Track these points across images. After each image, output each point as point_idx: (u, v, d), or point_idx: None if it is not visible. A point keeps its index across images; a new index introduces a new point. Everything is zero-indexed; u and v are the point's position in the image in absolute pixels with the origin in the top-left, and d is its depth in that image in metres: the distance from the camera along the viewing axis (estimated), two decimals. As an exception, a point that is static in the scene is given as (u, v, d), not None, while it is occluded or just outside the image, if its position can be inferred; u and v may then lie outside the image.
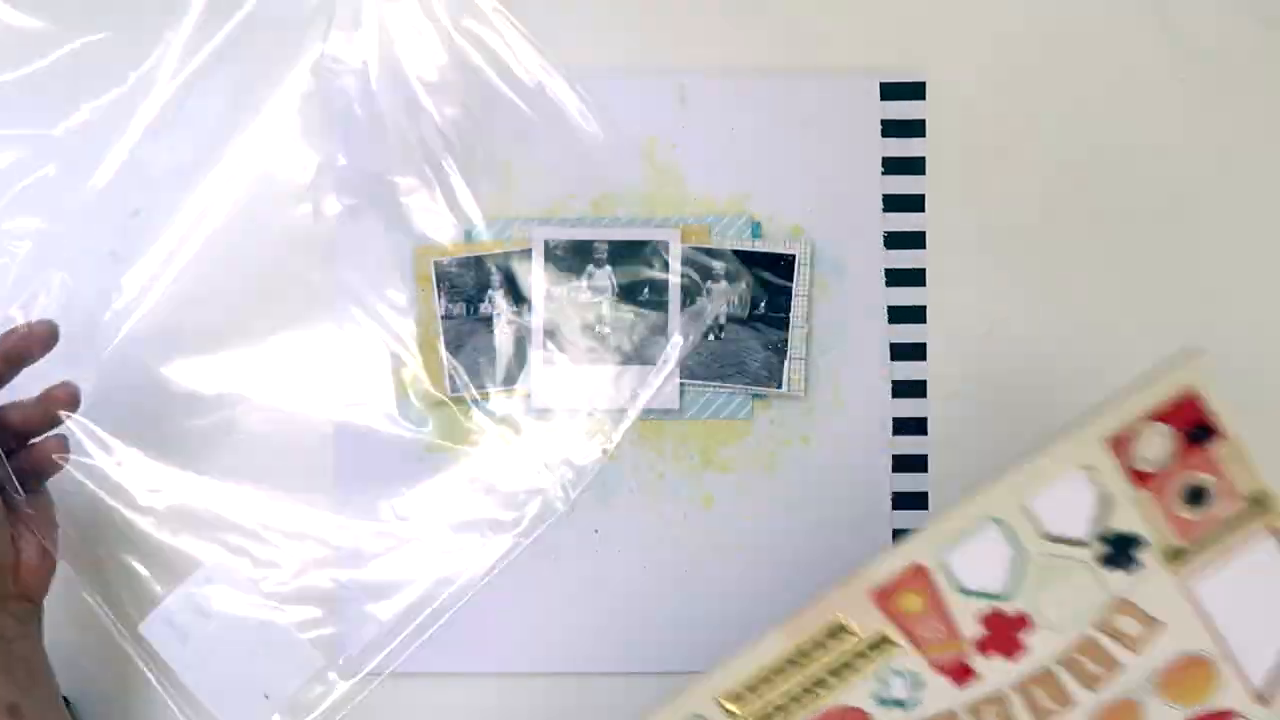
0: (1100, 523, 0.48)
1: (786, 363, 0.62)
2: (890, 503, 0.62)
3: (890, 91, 0.63)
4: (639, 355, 0.62)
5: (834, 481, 0.62)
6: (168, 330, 0.61)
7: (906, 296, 0.63)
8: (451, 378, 0.62)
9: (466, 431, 0.62)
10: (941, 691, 0.49)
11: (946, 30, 0.64)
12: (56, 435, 0.56)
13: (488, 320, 0.62)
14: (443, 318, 0.62)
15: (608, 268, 0.62)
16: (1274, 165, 0.64)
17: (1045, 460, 0.48)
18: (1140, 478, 0.48)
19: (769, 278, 0.62)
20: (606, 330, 0.62)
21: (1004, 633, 0.49)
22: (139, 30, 0.61)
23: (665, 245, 0.62)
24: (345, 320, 0.62)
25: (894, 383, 0.63)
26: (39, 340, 0.54)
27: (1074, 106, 0.64)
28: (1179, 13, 0.64)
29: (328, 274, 0.62)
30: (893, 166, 0.63)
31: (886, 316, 0.63)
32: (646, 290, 0.62)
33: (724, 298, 0.63)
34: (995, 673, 0.49)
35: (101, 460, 0.59)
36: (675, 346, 0.62)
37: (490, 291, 0.62)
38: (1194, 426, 0.48)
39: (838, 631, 0.48)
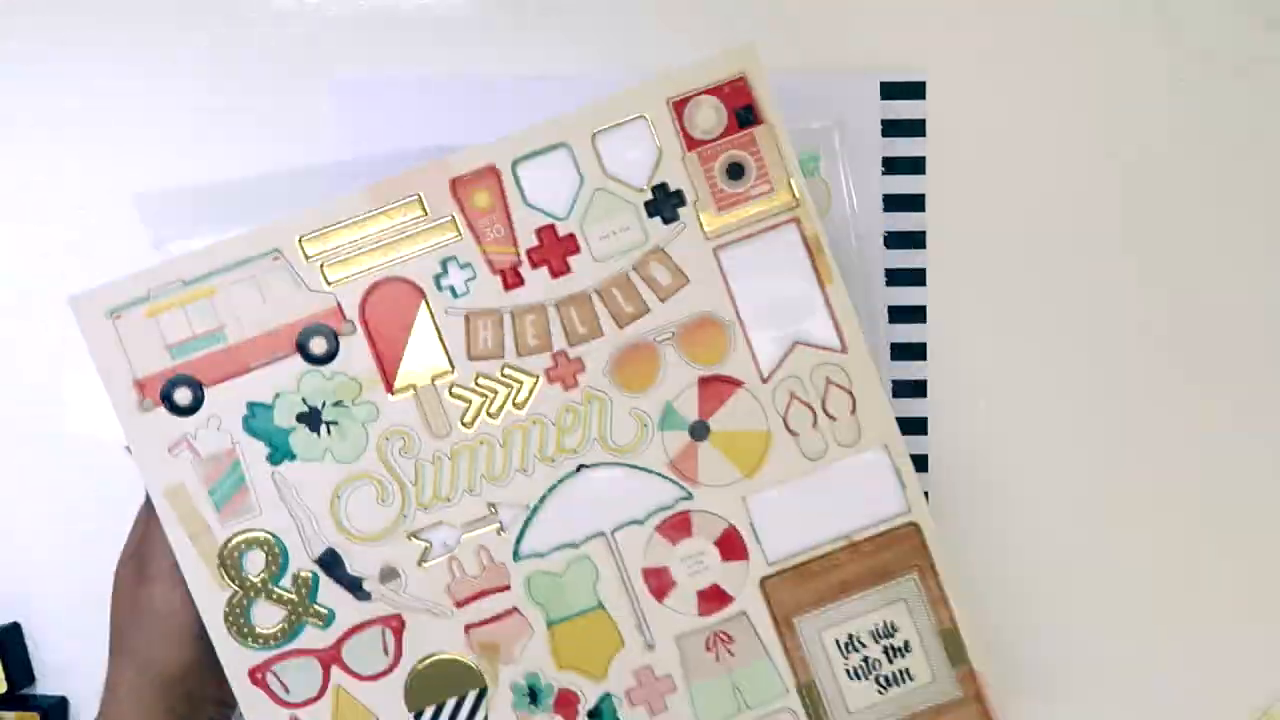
0: (653, 174, 0.53)
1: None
2: None
3: (890, 91, 0.63)
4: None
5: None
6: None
7: (906, 296, 0.63)
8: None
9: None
10: (490, 289, 0.53)
11: (946, 30, 0.64)
12: None
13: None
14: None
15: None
16: (1274, 165, 0.64)
17: (615, 99, 0.53)
18: (692, 142, 0.53)
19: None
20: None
21: (554, 250, 0.53)
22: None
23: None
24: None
25: (894, 382, 0.64)
26: None
27: (1074, 106, 0.64)
28: (1179, 13, 0.64)
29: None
30: (893, 166, 0.63)
31: (887, 316, 0.63)
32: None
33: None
34: (539, 285, 0.53)
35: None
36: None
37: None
38: (741, 107, 0.53)
39: (413, 205, 0.53)
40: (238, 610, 0.53)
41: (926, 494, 0.59)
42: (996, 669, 0.55)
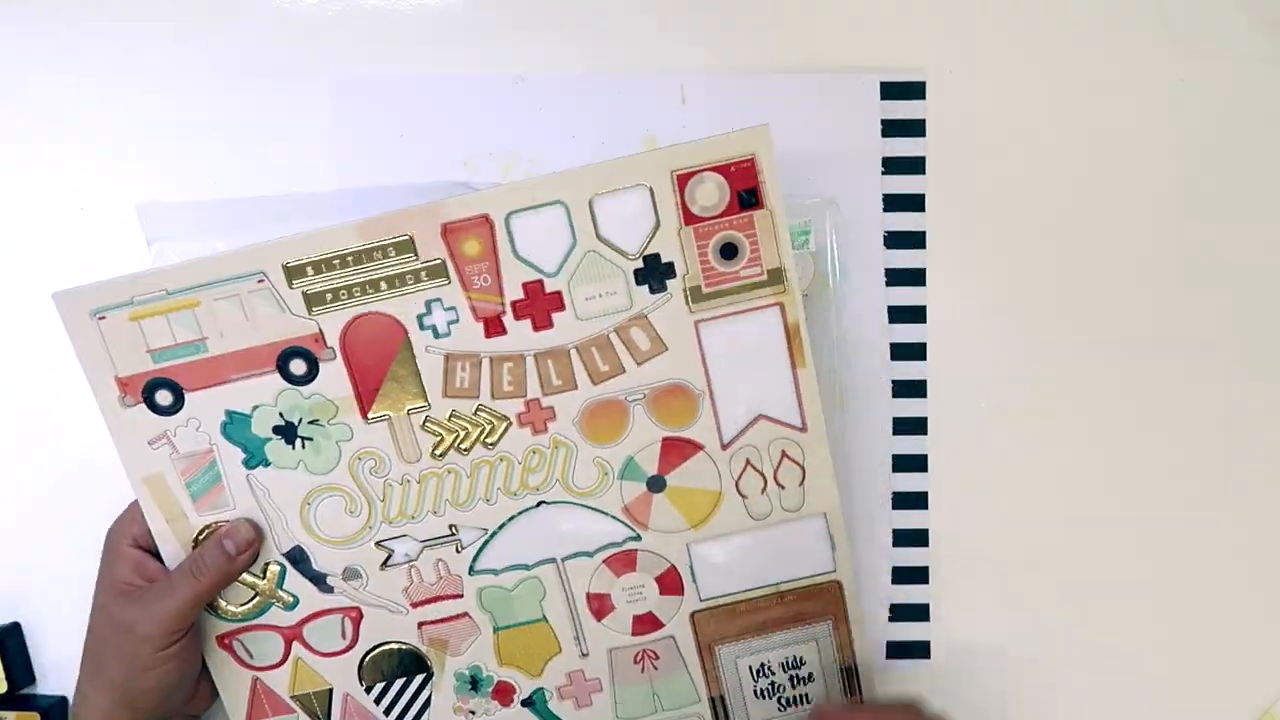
0: (647, 243, 0.54)
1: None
2: (890, 502, 0.63)
3: (890, 91, 0.62)
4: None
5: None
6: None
7: (906, 296, 0.63)
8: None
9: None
10: (472, 334, 0.54)
11: (946, 30, 0.63)
12: None
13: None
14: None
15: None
16: (1275, 165, 0.63)
17: (619, 165, 0.53)
18: (690, 217, 0.53)
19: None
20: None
21: (539, 305, 0.54)
22: None
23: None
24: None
25: (894, 383, 0.63)
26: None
27: (1074, 106, 0.63)
28: (1179, 13, 0.63)
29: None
30: (893, 166, 0.63)
31: (887, 316, 0.63)
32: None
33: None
34: (521, 337, 0.55)
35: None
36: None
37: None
38: (746, 190, 0.53)
39: (404, 246, 0.53)
40: (210, 588, 0.57)
41: (926, 494, 0.63)
42: (996, 668, 0.63)
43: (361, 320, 0.54)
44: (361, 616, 0.58)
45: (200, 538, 0.56)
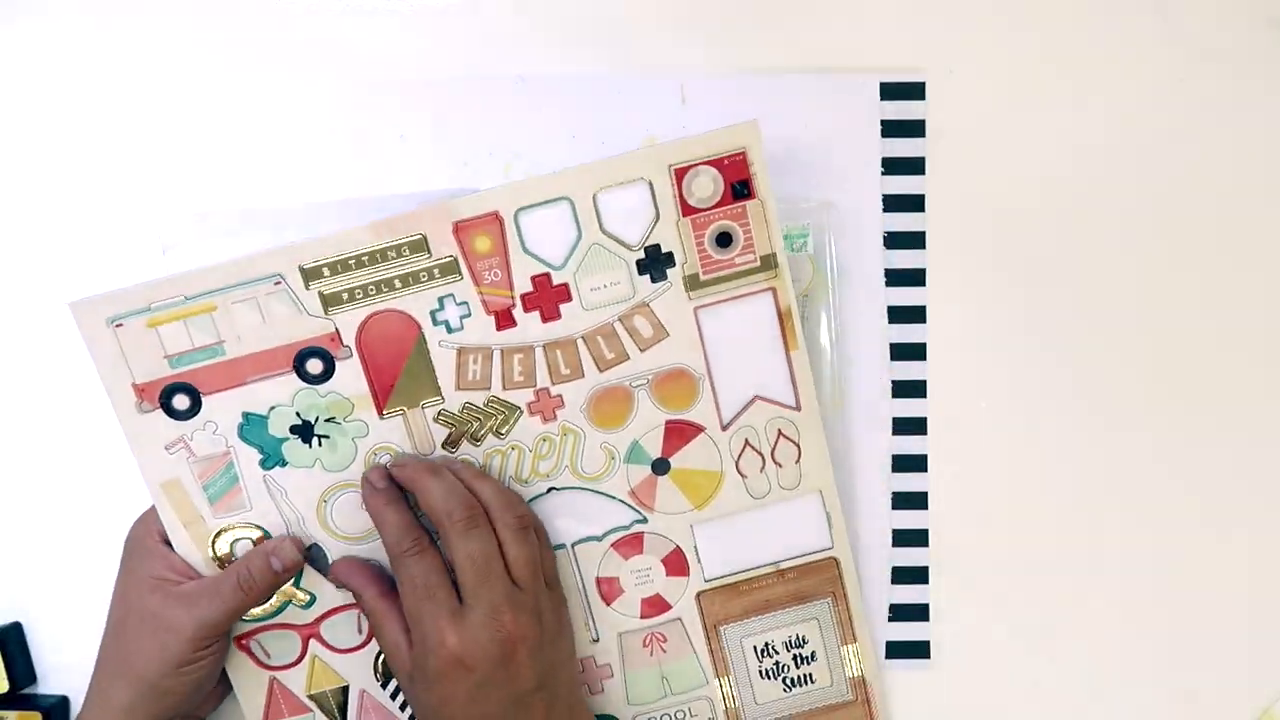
0: (648, 234, 0.56)
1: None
2: (890, 502, 0.64)
3: (890, 91, 0.63)
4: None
5: (835, 480, 0.62)
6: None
7: (906, 296, 0.64)
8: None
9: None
10: (484, 327, 0.57)
11: (946, 30, 0.63)
12: None
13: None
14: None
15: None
16: (1275, 165, 0.64)
17: (621, 161, 0.56)
18: (687, 208, 0.56)
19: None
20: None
21: (548, 297, 0.57)
22: None
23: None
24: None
25: (894, 383, 0.64)
26: None
27: (1074, 106, 0.64)
28: (1179, 13, 0.63)
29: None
30: (893, 166, 0.63)
31: (887, 316, 0.64)
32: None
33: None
34: (530, 328, 0.57)
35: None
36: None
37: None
38: (738, 181, 0.56)
39: (417, 245, 0.55)
40: (227, 590, 0.58)
41: (926, 494, 0.64)
42: (996, 668, 0.63)
43: (377, 318, 0.56)
44: (377, 612, 0.60)
45: (217, 539, 0.58)
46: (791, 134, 0.62)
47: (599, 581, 0.61)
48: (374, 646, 0.60)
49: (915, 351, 0.64)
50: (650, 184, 0.56)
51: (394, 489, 0.56)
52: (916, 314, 0.64)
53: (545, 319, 0.57)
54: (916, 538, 0.64)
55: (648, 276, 0.57)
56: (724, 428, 0.59)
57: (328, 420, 0.57)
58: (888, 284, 0.64)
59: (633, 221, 0.56)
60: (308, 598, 0.59)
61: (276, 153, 0.62)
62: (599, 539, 0.60)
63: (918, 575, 0.64)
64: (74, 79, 0.63)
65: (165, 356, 0.55)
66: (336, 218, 0.60)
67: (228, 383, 0.56)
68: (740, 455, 0.60)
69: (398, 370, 0.57)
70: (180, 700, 0.56)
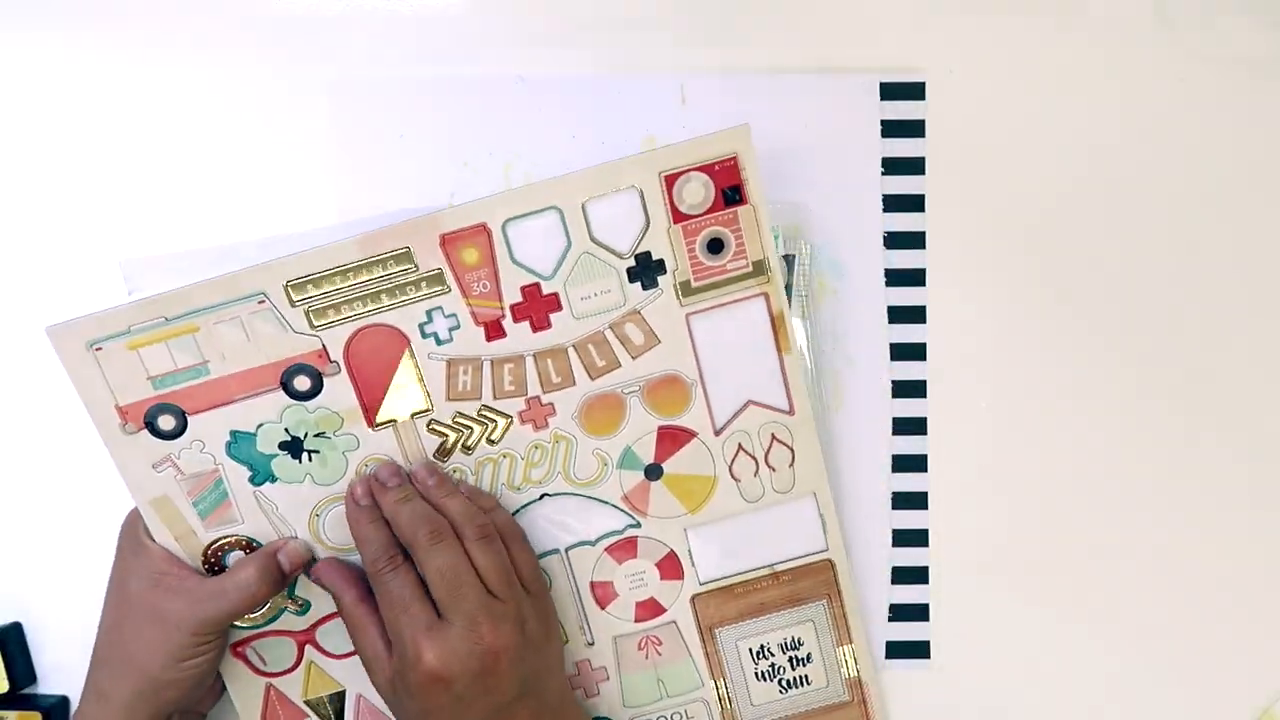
0: (638, 242, 0.56)
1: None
2: (890, 503, 0.64)
3: (890, 91, 0.63)
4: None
5: (834, 481, 0.63)
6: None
7: (906, 296, 0.64)
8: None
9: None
10: (473, 339, 0.56)
11: (946, 30, 0.63)
12: None
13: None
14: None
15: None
16: (1275, 165, 0.64)
17: (610, 168, 0.55)
18: (678, 215, 0.56)
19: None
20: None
21: (537, 307, 0.56)
22: None
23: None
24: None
25: (894, 383, 0.64)
26: None
27: (1073, 106, 0.63)
28: (1179, 13, 0.63)
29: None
30: (893, 166, 0.63)
31: (887, 316, 0.64)
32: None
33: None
34: (520, 338, 0.57)
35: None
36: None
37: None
38: (729, 187, 0.55)
39: (404, 258, 0.55)
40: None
41: (926, 494, 0.64)
42: (996, 668, 0.64)
43: (364, 332, 0.55)
44: (372, 618, 0.60)
45: (209, 551, 0.57)
46: (791, 134, 0.62)
47: (593, 585, 0.61)
48: (370, 654, 0.60)
49: (915, 351, 0.64)
50: (640, 191, 0.55)
51: (375, 506, 0.55)
52: (916, 314, 0.64)
53: (535, 329, 0.56)
54: (916, 538, 0.64)
55: (639, 284, 0.56)
56: (717, 433, 0.59)
57: (317, 435, 0.56)
58: (888, 284, 0.63)
59: (623, 229, 0.55)
60: (303, 603, 0.59)
61: (276, 154, 0.62)
62: (592, 543, 0.60)
63: (918, 575, 0.64)
64: (61, 86, 0.62)
65: (148, 378, 0.54)
66: (333, 217, 0.60)
67: (213, 402, 0.55)
68: (734, 460, 0.59)
69: (387, 383, 0.56)
70: (181, 694, 0.56)
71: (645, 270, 0.56)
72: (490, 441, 0.58)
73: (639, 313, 0.57)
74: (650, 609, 0.61)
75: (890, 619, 0.64)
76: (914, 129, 0.63)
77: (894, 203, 0.63)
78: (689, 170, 0.55)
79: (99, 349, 0.54)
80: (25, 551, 0.63)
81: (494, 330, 0.56)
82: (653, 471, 0.59)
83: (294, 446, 0.56)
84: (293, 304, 0.54)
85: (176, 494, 0.56)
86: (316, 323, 0.55)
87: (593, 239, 0.55)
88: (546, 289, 0.56)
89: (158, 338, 0.54)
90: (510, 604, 0.53)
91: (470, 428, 0.57)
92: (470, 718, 0.53)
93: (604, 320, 0.57)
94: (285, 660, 0.60)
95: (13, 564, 0.63)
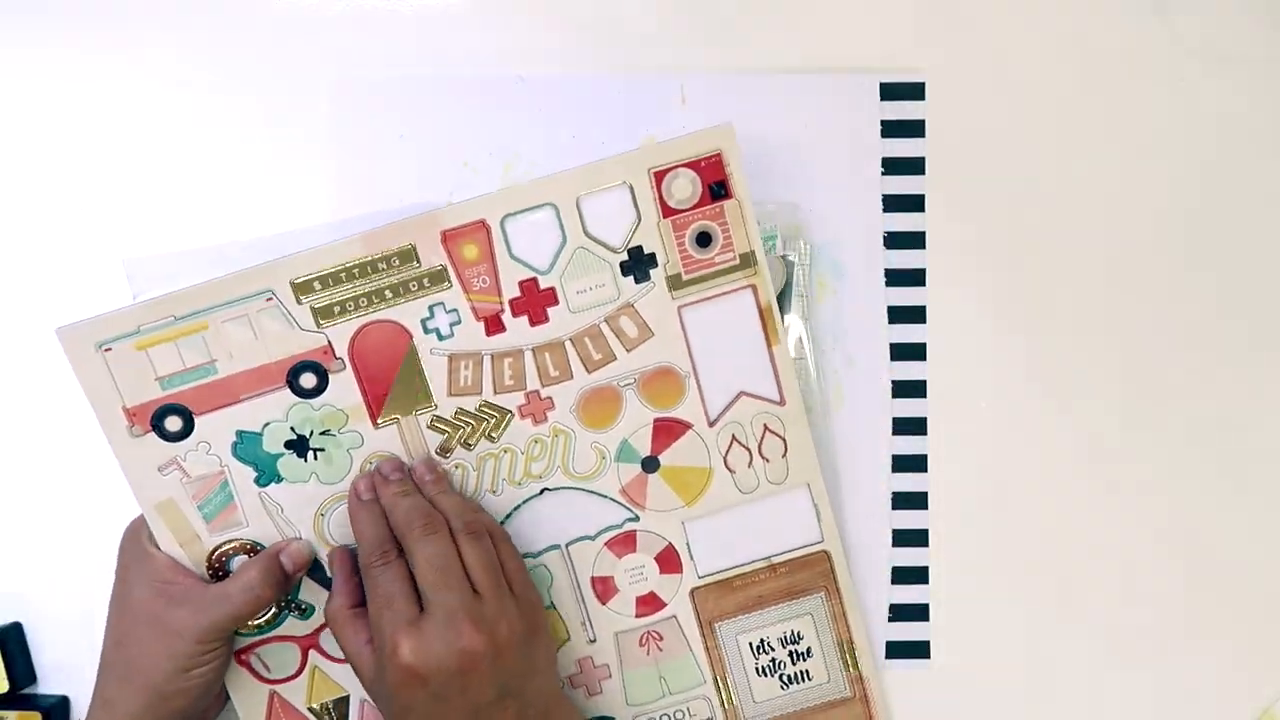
0: (630, 237, 0.58)
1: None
2: (890, 502, 0.64)
3: (890, 91, 0.64)
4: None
5: (834, 481, 0.64)
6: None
7: (906, 296, 0.64)
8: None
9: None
10: (474, 333, 0.58)
11: (946, 30, 0.64)
12: None
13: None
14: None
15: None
16: (1275, 165, 0.64)
17: (602, 166, 0.57)
18: (667, 210, 0.58)
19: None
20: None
21: (535, 301, 0.58)
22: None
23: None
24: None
25: (894, 383, 0.64)
26: None
27: (1074, 106, 0.64)
28: (1179, 13, 0.64)
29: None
30: (893, 166, 0.64)
31: (887, 316, 0.64)
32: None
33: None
34: (519, 332, 0.58)
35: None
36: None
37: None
38: (715, 182, 0.58)
39: (407, 255, 0.57)
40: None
41: (926, 494, 0.64)
42: (996, 668, 0.64)
43: (369, 329, 0.57)
44: (376, 623, 0.60)
45: (214, 556, 0.57)
46: (792, 134, 0.63)
47: (594, 581, 0.61)
48: (374, 657, 0.60)
49: (915, 351, 0.64)
50: (631, 187, 0.57)
51: (376, 502, 0.56)
52: (916, 314, 0.64)
53: (533, 323, 0.58)
54: (916, 538, 0.65)
55: (631, 278, 0.58)
56: (711, 424, 0.61)
57: (322, 433, 0.57)
58: (888, 284, 0.64)
59: (615, 224, 0.58)
60: (306, 607, 0.59)
61: (276, 154, 0.63)
62: (592, 538, 0.61)
63: (918, 575, 0.65)
64: (61, 86, 0.63)
65: (156, 378, 0.55)
66: (333, 216, 0.61)
67: (220, 401, 0.56)
68: (728, 451, 0.61)
69: (390, 379, 0.57)
70: (187, 704, 0.56)
71: (637, 264, 0.58)
72: (490, 438, 0.59)
73: (632, 306, 0.59)
74: (651, 603, 0.62)
75: (890, 619, 0.65)
76: (914, 129, 0.64)
77: (894, 203, 0.64)
78: (676, 166, 0.57)
79: (108, 350, 0.55)
80: (25, 552, 0.63)
81: (494, 325, 0.58)
82: (649, 464, 0.61)
83: (300, 445, 0.57)
84: (299, 301, 0.56)
85: (181, 497, 0.57)
86: (322, 319, 0.56)
87: (587, 234, 0.58)
88: (544, 283, 0.58)
89: (167, 337, 0.55)
90: (493, 603, 0.53)
91: (471, 424, 0.59)
92: (448, 718, 0.52)
93: (599, 314, 0.59)
94: (289, 666, 0.60)
95: (13, 564, 0.63)
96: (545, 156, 0.63)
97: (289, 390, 0.57)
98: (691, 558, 0.62)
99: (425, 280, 0.57)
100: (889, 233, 0.64)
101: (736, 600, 0.63)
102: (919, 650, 0.65)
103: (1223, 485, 0.65)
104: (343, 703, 0.61)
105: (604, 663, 0.62)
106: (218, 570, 0.58)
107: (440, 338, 0.58)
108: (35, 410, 0.63)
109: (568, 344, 0.59)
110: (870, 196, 0.64)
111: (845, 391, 0.64)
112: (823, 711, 0.64)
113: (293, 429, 0.57)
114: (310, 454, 0.57)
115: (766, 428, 0.61)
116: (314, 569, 0.59)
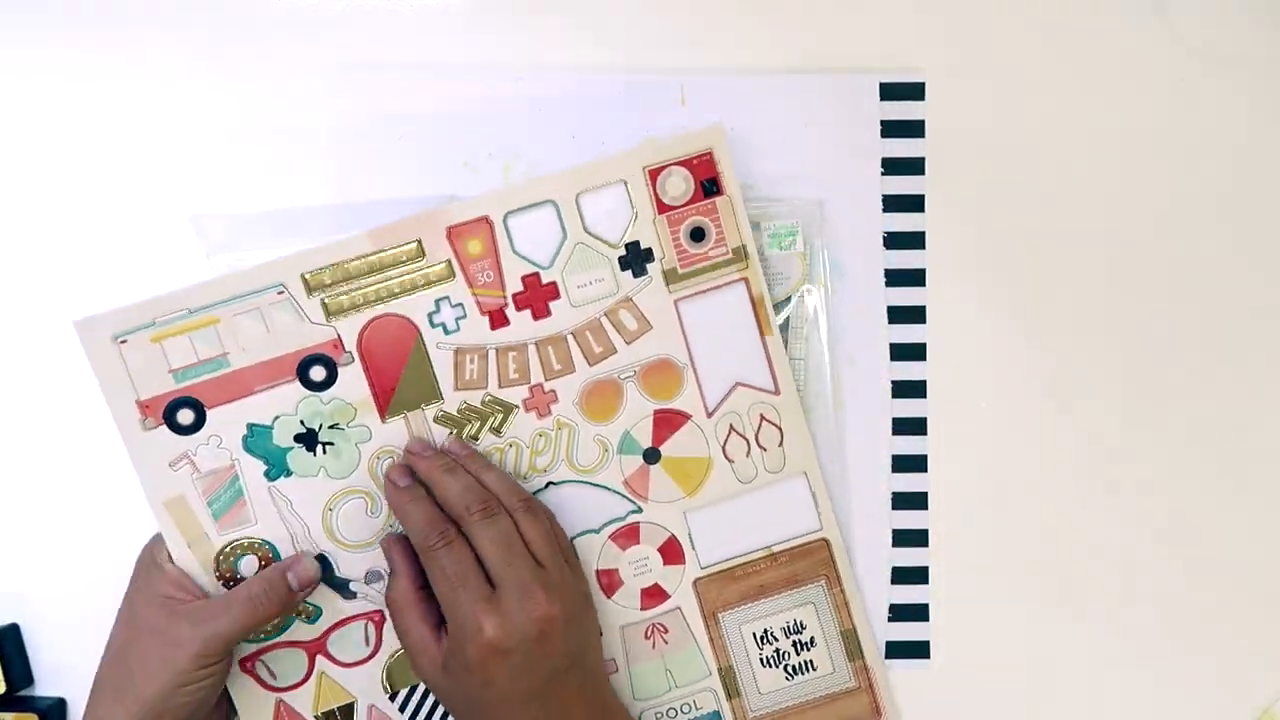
0: (627, 232, 0.60)
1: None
2: (890, 502, 0.64)
3: (890, 91, 0.64)
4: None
5: (835, 481, 0.64)
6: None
7: (906, 296, 0.65)
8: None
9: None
10: (479, 327, 0.60)
11: (946, 30, 0.64)
12: None
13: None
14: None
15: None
16: (1276, 165, 0.64)
17: (599, 165, 0.60)
18: (662, 206, 0.60)
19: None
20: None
21: (538, 296, 0.60)
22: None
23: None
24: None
25: (894, 383, 0.65)
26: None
27: (1074, 106, 0.64)
28: (1179, 13, 0.64)
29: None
30: (893, 167, 0.64)
31: (886, 316, 0.65)
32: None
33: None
34: (523, 326, 0.60)
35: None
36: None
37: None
38: (707, 179, 0.60)
39: (414, 251, 0.59)
40: (233, 608, 0.59)
41: (926, 494, 0.65)
42: (996, 668, 0.64)
43: (377, 323, 0.59)
44: (384, 620, 0.61)
45: (221, 556, 0.58)
46: (791, 134, 0.64)
47: (599, 574, 0.62)
48: (381, 657, 0.61)
49: (915, 351, 0.65)
50: (627, 184, 0.60)
51: (417, 485, 0.57)
52: (916, 314, 0.65)
53: (536, 317, 0.60)
54: (916, 538, 0.65)
55: (629, 272, 0.60)
56: (709, 414, 0.62)
57: (331, 427, 0.59)
58: (888, 284, 0.64)
59: (613, 220, 0.60)
60: (313, 610, 0.60)
61: (275, 154, 0.63)
62: (597, 531, 0.62)
63: (918, 575, 0.65)
64: (71, 91, 0.63)
65: (170, 371, 0.57)
66: (334, 219, 0.62)
67: (232, 394, 0.58)
68: (726, 441, 0.62)
69: (398, 373, 0.59)
70: (185, 717, 0.56)
71: (635, 259, 0.60)
72: (496, 431, 0.60)
73: (631, 299, 0.61)
74: (655, 595, 0.63)
75: (890, 619, 0.65)
76: (914, 129, 0.64)
77: (894, 203, 0.64)
78: (670, 165, 0.60)
79: (124, 342, 0.57)
80: (23, 553, 0.63)
81: (498, 319, 0.60)
82: (651, 455, 0.62)
83: (309, 439, 0.59)
84: (309, 294, 0.58)
85: (191, 494, 0.58)
86: (332, 312, 0.58)
87: (586, 230, 0.60)
88: (546, 278, 0.60)
89: (181, 329, 0.57)
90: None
91: (477, 418, 0.60)
92: (525, 686, 0.54)
93: (599, 308, 0.60)
94: (296, 673, 0.61)
95: (11, 565, 0.64)
96: (545, 156, 0.63)
97: (299, 383, 0.58)
98: (694, 548, 0.63)
99: (431, 275, 0.59)
100: (889, 233, 0.64)
101: (739, 590, 0.63)
102: (919, 650, 0.65)
103: (1223, 485, 0.65)
104: (349, 709, 0.61)
105: (610, 657, 0.63)
106: (227, 579, 0.59)
107: (446, 331, 0.59)
108: (35, 412, 0.63)
109: (570, 337, 0.60)
110: (870, 196, 0.64)
111: (845, 391, 0.65)
112: (828, 703, 0.64)
113: (302, 422, 0.58)
114: (319, 448, 0.59)
115: (763, 417, 0.62)
116: (322, 569, 0.59)
